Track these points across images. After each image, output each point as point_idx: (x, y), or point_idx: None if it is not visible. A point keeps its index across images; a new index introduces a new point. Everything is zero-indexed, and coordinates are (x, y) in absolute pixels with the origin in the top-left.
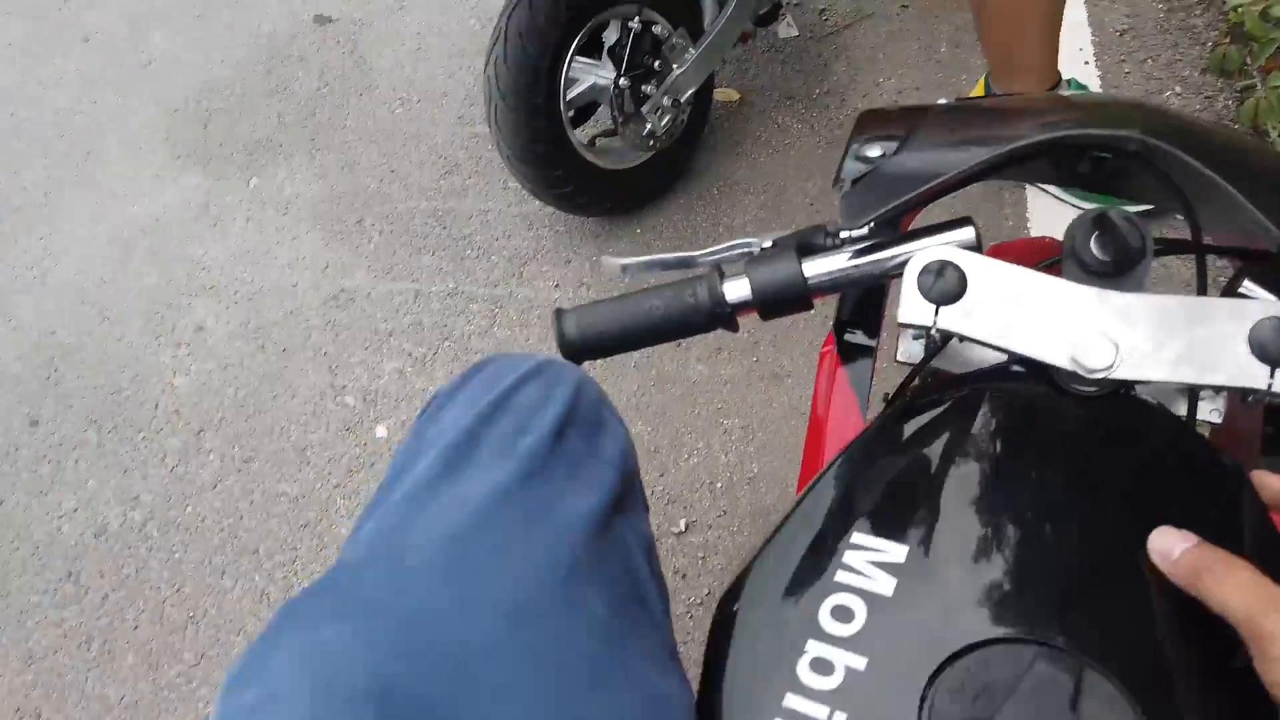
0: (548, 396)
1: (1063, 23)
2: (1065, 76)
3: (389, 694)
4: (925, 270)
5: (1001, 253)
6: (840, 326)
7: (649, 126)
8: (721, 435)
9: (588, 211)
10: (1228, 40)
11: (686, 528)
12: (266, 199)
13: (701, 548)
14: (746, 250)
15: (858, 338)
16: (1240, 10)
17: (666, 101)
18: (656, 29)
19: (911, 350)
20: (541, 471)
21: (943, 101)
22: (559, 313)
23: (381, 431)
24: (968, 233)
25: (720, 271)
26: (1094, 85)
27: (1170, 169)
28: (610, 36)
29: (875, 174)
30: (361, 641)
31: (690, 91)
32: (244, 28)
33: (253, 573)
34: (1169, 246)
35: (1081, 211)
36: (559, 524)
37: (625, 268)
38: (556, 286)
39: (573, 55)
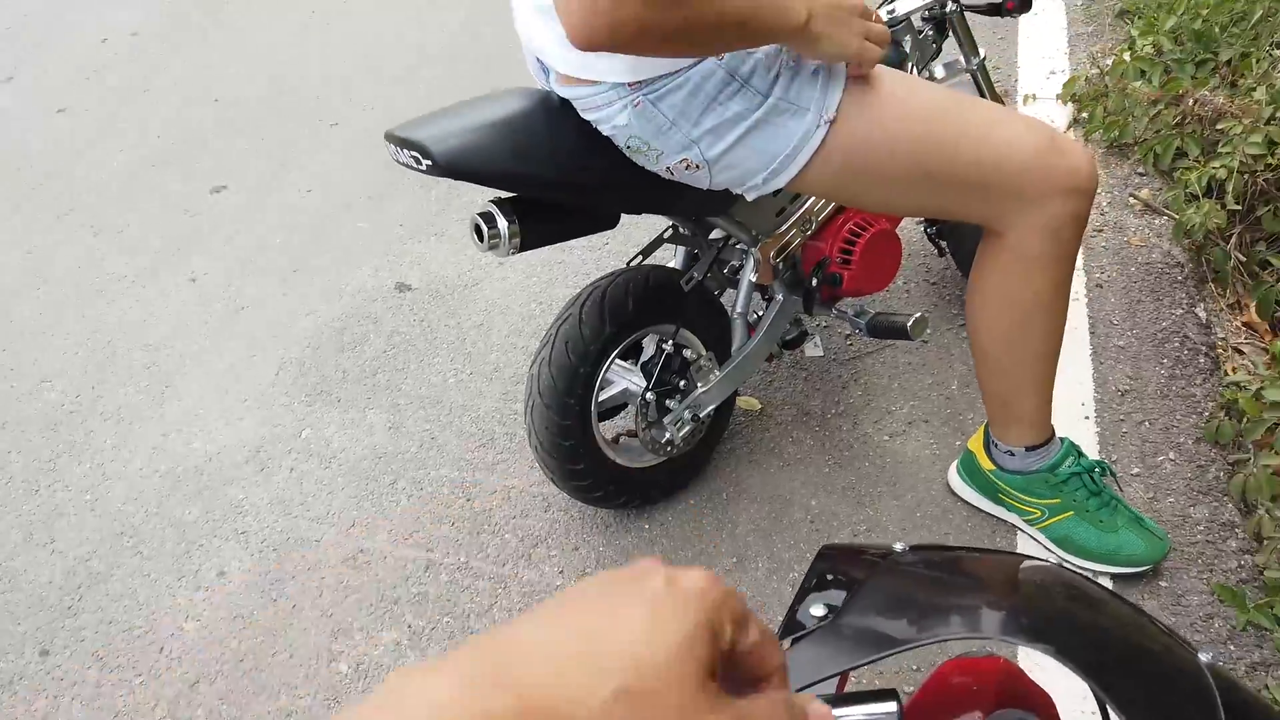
0: None
1: (1068, 377)
2: (1061, 434)
3: None
4: None
5: (944, 677)
6: None
7: (668, 435)
8: None
9: (602, 504)
10: (1223, 413)
11: None
12: (314, 451)
13: None
14: None
15: None
16: (1235, 388)
17: (688, 415)
18: (687, 351)
19: None
20: None
21: (899, 546)
22: None
23: None
24: (890, 708)
25: None
26: (1091, 443)
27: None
28: (647, 349)
29: (818, 634)
30: None
31: (711, 408)
32: (333, 286)
33: None
34: None
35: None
36: None
37: None
38: (560, 573)
39: (612, 362)
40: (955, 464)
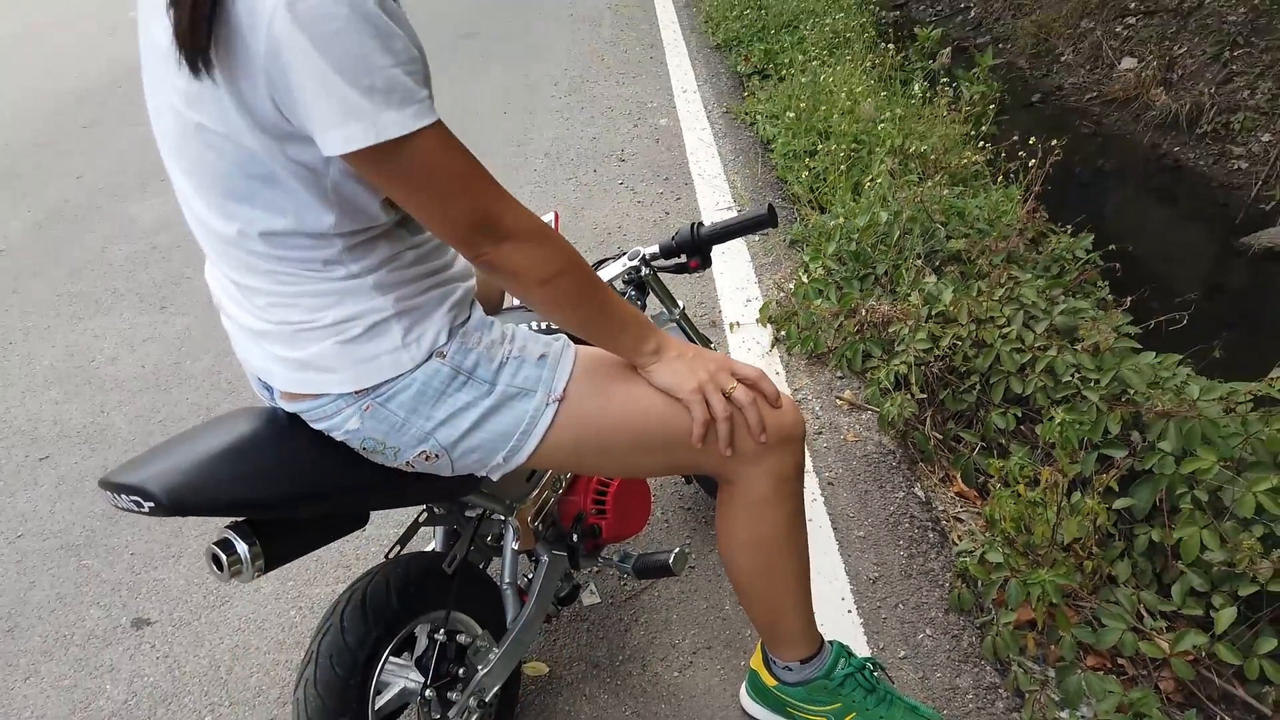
0: None
1: (825, 574)
2: (830, 632)
3: None
4: None
5: None
6: None
7: None
8: None
9: None
10: (960, 581)
11: None
12: None
13: None
14: None
15: None
16: (964, 556)
17: (473, 703)
18: (461, 636)
19: None
20: None
21: None
22: None
23: None
24: None
25: None
26: (859, 634)
27: None
28: (420, 641)
29: None
30: None
31: (496, 689)
32: (56, 639)
33: None
34: None
35: None
36: None
37: None
38: None
39: (385, 663)
40: (744, 685)
